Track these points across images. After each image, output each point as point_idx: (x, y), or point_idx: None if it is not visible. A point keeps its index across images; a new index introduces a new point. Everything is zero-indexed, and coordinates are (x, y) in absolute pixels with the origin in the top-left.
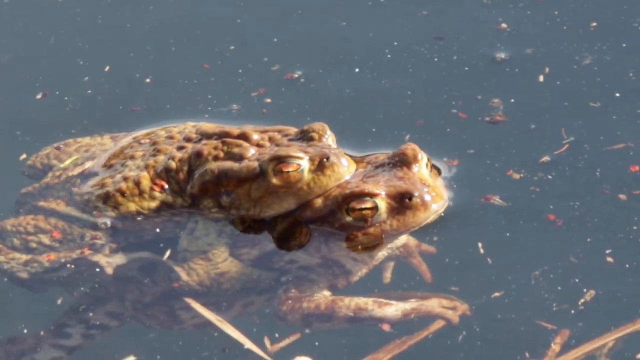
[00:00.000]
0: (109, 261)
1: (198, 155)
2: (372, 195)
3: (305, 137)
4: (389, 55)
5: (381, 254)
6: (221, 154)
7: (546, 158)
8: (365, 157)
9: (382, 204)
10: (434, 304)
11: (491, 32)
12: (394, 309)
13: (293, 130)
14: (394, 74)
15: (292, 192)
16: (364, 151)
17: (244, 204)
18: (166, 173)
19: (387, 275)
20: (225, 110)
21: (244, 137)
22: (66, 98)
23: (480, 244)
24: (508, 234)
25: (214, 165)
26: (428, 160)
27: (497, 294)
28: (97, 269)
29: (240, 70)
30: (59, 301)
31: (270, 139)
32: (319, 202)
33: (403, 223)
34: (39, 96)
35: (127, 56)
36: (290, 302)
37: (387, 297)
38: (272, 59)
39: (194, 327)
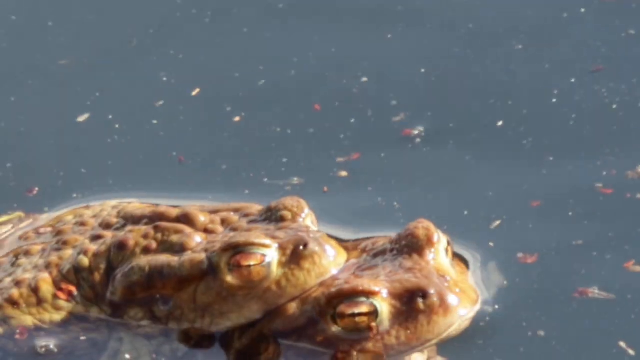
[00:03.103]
0: None
1: (121, 246)
2: (369, 295)
3: (273, 217)
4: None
5: None
6: (154, 245)
7: None
8: (360, 242)
9: (384, 306)
10: None
11: None
12: None
13: (256, 208)
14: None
15: (255, 295)
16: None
17: (187, 314)
18: (75, 274)
19: None
20: (280, 185)
21: (186, 219)
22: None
23: None
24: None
25: (143, 261)
26: (448, 244)
27: None
28: None
29: (352, 120)
30: None
31: (224, 222)
32: (293, 307)
33: (415, 334)
34: (81, 118)
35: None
36: None
37: None
38: (401, 103)
39: None
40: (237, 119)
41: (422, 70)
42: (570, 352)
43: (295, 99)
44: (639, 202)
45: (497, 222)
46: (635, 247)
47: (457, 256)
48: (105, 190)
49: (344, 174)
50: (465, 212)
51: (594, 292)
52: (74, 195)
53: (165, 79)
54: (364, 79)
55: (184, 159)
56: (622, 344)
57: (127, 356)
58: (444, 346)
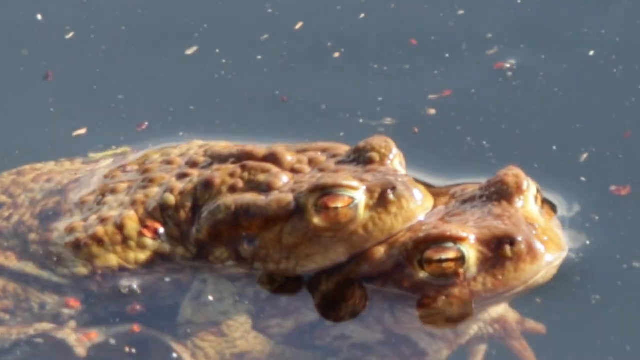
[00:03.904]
0: (81, 339)
1: (207, 185)
2: (456, 240)
3: (361, 158)
4: None
5: (469, 328)
6: (240, 184)
7: None
8: (449, 188)
9: (472, 252)
10: None
11: None
12: None
13: (344, 149)
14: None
15: (341, 238)
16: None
17: (272, 254)
18: (161, 211)
19: None
20: (373, 126)
21: (273, 159)
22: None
23: None
24: None
25: (229, 200)
26: (538, 191)
27: None
28: (64, 350)
29: (447, 55)
30: None
31: (311, 162)
32: (380, 251)
33: (502, 281)
34: (189, 51)
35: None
36: None
37: None
38: (496, 36)
39: None
40: (336, 54)
41: (519, 1)
42: None
43: (393, 32)
44: None
45: (587, 155)
46: None
47: (545, 201)
48: (210, 130)
49: (432, 111)
50: (554, 147)
51: None
52: (180, 134)
53: (270, 10)
54: (461, 12)
55: (286, 99)
56: None
57: (210, 297)
58: (540, 287)
